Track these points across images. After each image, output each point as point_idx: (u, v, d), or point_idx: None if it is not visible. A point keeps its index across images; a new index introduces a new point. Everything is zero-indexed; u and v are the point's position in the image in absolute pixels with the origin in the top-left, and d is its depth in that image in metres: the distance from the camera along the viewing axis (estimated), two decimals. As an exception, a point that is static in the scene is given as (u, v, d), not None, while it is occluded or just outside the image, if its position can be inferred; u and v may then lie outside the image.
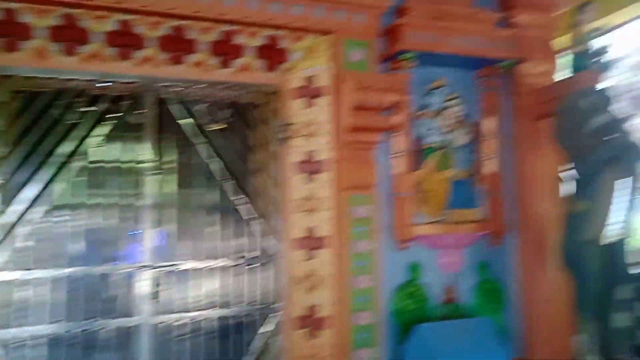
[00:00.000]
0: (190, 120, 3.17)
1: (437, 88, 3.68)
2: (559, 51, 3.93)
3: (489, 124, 3.79)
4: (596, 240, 3.26)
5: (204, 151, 3.18)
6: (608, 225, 3.32)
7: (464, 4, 3.64)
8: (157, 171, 3.06)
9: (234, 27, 3.19)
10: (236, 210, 3.21)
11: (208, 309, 3.12)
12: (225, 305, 3.15)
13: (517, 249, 3.82)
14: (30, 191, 2.85)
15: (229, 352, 3.12)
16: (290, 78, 3.29)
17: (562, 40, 3.83)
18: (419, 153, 3.61)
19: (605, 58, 3.62)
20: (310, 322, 3.22)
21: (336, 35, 3.34)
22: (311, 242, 3.27)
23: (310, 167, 3.29)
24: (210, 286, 3.15)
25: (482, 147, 3.78)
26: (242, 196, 3.22)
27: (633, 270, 3.23)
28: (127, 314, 2.96)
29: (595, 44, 3.65)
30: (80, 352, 2.86)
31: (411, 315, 3.49)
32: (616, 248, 3.23)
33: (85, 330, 2.87)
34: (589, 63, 3.59)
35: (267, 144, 3.30)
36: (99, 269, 2.94)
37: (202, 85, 3.17)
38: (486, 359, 3.23)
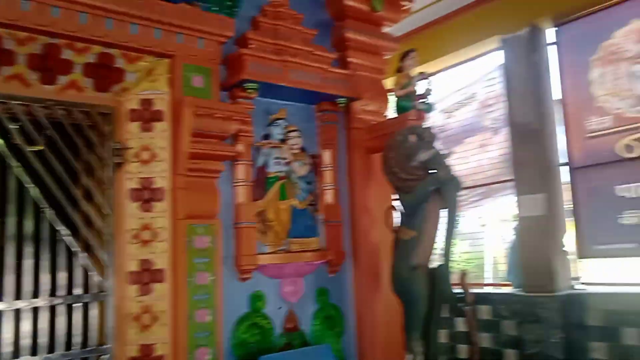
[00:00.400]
0: (2, 140, 2.77)
1: (278, 119, 3.76)
2: (389, 92, 4.31)
3: (327, 156, 3.98)
4: (422, 265, 3.55)
5: (20, 176, 2.79)
6: (433, 251, 3.65)
7: (302, 42, 3.81)
8: (-44, 198, 2.60)
9: (61, 41, 2.91)
10: (58, 242, 2.85)
11: (21, 356, 2.68)
12: (42, 351, 2.74)
13: (353, 275, 4.00)
14: None
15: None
16: (125, 100, 3.09)
17: (392, 82, 4.21)
18: (261, 182, 3.63)
19: (427, 100, 4.06)
20: (145, 363, 2.95)
21: (176, 59, 3.23)
22: (146, 276, 3.02)
23: (147, 195, 3.08)
24: (25, 330, 2.72)
25: (321, 178, 3.94)
26: (65, 227, 2.88)
27: (454, 292, 3.55)
28: None
29: (419, 87, 4.08)
30: None
31: (254, 347, 3.41)
32: (440, 272, 3.54)
33: None
34: (413, 104, 4.00)
35: (96, 169, 3.02)
36: None
37: (18, 102, 2.80)
38: (327, 385, 3.27)
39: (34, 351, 2.73)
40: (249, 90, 3.48)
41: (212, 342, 3.15)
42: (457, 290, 3.55)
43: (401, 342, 3.68)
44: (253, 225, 3.50)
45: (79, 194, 2.95)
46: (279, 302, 3.60)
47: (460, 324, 5.95)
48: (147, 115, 3.14)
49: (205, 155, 3.22)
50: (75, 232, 2.91)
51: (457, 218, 3.50)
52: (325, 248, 3.86)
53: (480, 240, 8.31)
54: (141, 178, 3.08)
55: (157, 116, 3.17)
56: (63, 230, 2.86)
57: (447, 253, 3.51)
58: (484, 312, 5.73)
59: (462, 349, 5.96)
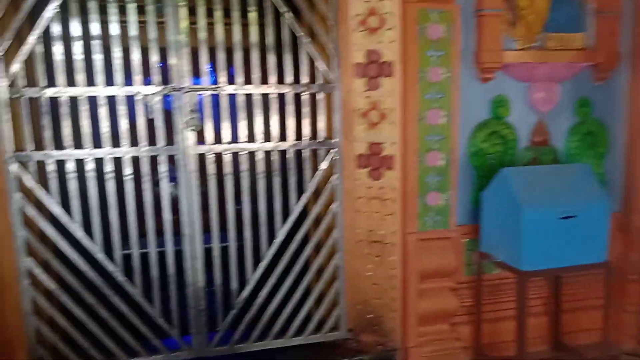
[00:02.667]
0: None
1: None
2: None
3: None
4: None
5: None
6: None
7: None
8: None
9: None
10: (282, 25, 2.65)
11: (252, 142, 2.70)
12: (273, 139, 2.72)
13: (629, 85, 3.09)
14: None
15: (283, 188, 2.74)
16: None
17: None
18: (512, -43, 2.83)
19: None
20: (373, 161, 2.74)
21: None
22: (374, 69, 2.69)
23: (370, -30, 2.61)
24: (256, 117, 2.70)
25: (597, -50, 2.94)
26: (288, 9, 2.63)
27: None
28: (169, 143, 2.59)
29: None
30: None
31: (493, 158, 2.97)
32: None
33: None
34: None
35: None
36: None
37: None
38: (583, 210, 2.67)
39: (267, 138, 2.72)
40: None
41: (446, 147, 2.77)
42: None
43: None
44: (499, 14, 2.82)
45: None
46: (527, 111, 2.99)
47: None
48: None
49: None
50: (295, 16, 2.65)
51: None
52: (593, 47, 2.99)
53: None
54: (363, -50, 2.60)
55: None
56: (286, 12, 2.62)
57: None
58: None
59: None
